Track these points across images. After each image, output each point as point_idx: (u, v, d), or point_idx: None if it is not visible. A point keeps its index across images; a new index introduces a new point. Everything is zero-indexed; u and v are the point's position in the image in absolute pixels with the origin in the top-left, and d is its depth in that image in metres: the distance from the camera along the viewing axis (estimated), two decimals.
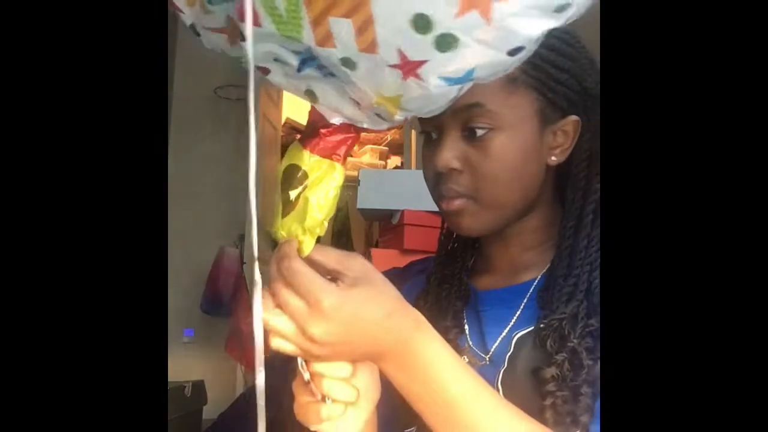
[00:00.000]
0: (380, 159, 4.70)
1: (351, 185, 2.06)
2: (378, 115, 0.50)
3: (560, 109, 0.66)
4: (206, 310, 3.51)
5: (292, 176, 0.53)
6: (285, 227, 0.53)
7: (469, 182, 0.64)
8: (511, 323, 0.66)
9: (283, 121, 4.13)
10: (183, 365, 3.13)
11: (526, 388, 0.61)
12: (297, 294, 0.48)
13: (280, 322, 0.49)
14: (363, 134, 0.57)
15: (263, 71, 0.50)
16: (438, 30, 0.41)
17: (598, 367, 0.58)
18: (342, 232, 4.02)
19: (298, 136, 0.56)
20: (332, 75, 0.48)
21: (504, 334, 0.66)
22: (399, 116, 0.49)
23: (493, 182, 0.64)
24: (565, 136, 0.66)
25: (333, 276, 0.50)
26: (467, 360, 0.63)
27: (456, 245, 0.76)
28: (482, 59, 0.43)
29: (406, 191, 2.04)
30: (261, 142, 3.77)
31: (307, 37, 0.44)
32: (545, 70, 0.63)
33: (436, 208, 0.69)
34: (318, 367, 0.53)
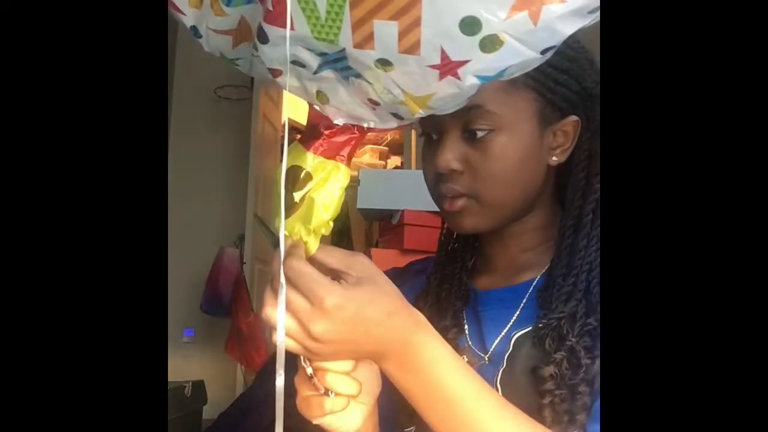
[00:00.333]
0: (380, 159, 4.71)
1: (351, 185, 2.05)
2: (395, 114, 0.51)
3: (560, 110, 0.66)
4: (206, 310, 3.51)
5: (296, 178, 0.53)
6: (288, 227, 0.53)
7: (469, 183, 0.64)
8: (510, 323, 0.67)
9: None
10: (183, 365, 3.13)
11: (524, 388, 0.62)
12: (300, 293, 0.48)
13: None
14: None
15: (275, 73, 0.50)
16: (486, 31, 0.43)
17: (596, 366, 0.59)
18: (342, 232, 4.02)
19: (298, 136, 0.56)
20: (353, 76, 0.49)
21: (503, 333, 0.67)
22: (420, 114, 0.50)
23: (493, 183, 0.64)
24: (565, 137, 0.67)
25: (336, 275, 0.50)
26: (466, 359, 0.64)
27: (456, 245, 0.76)
28: (519, 59, 0.44)
29: (406, 191, 2.04)
30: (261, 142, 3.77)
31: (344, 39, 0.45)
32: (545, 70, 0.63)
33: (436, 208, 0.70)
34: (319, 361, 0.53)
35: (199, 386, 2.73)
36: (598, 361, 0.59)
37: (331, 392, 0.53)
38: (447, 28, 0.43)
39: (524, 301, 0.67)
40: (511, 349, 0.65)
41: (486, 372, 0.61)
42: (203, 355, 3.62)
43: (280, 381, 0.48)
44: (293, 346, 0.50)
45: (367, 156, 4.62)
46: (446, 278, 0.74)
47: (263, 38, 0.47)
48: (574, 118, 0.66)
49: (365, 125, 0.54)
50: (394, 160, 4.70)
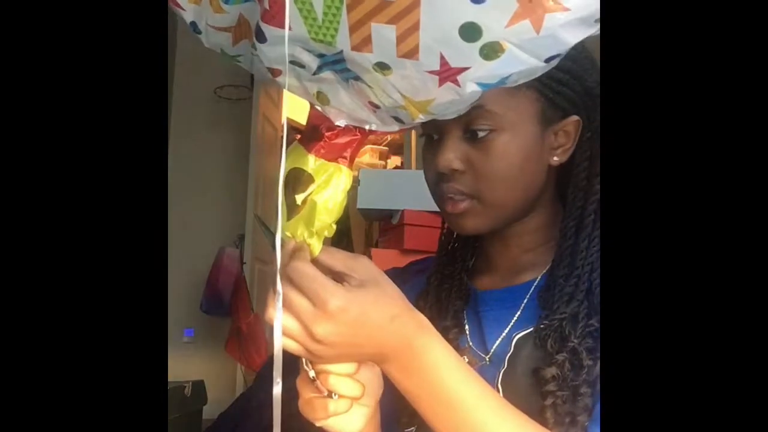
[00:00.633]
0: (380, 159, 4.71)
1: (351, 185, 2.06)
2: (396, 117, 0.51)
3: (561, 110, 0.66)
4: (206, 310, 3.51)
5: (297, 180, 0.53)
6: (290, 229, 0.53)
7: (471, 183, 0.64)
8: (511, 323, 0.67)
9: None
10: (183, 365, 3.13)
11: (526, 389, 0.61)
12: (303, 294, 0.48)
13: (285, 321, 0.49)
14: None
15: (274, 73, 0.50)
16: (486, 38, 0.42)
17: (597, 367, 0.59)
18: (342, 232, 4.02)
19: (298, 136, 0.56)
20: (353, 78, 0.48)
21: (504, 334, 0.66)
22: (420, 119, 0.50)
23: (494, 183, 0.64)
24: (566, 137, 0.67)
25: (339, 278, 0.50)
26: (467, 360, 0.63)
27: (456, 245, 0.76)
28: (521, 66, 0.44)
29: (406, 191, 2.04)
30: (261, 142, 3.77)
31: (341, 41, 0.45)
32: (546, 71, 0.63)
33: (436, 208, 0.69)
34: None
35: (199, 386, 2.73)
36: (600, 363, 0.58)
37: (335, 394, 0.53)
38: (446, 34, 0.42)
39: (525, 301, 0.67)
40: (512, 349, 0.64)
41: (487, 372, 0.60)
42: (203, 355, 3.62)
43: (277, 389, 0.48)
44: (296, 348, 0.50)
45: (367, 156, 4.62)
46: (446, 278, 0.74)
47: (261, 38, 0.47)
48: (575, 118, 0.66)
49: (367, 127, 0.53)
50: (394, 160, 4.69)
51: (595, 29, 0.42)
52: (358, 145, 0.54)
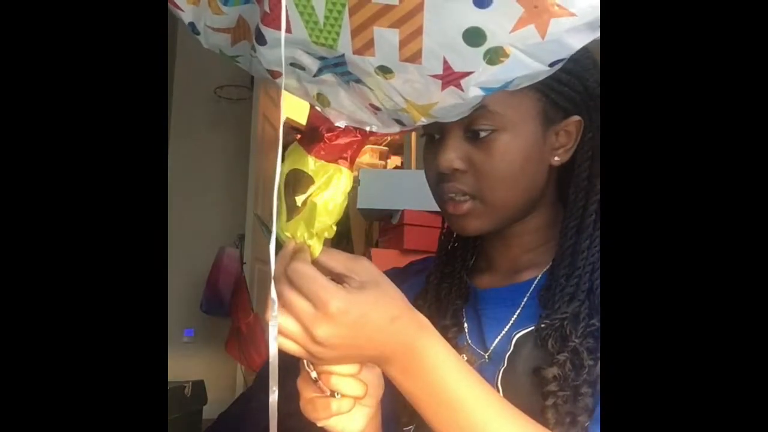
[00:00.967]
0: (380, 159, 4.70)
1: (351, 186, 2.06)
2: (397, 120, 0.51)
3: (563, 110, 0.66)
4: (206, 310, 3.51)
5: (297, 181, 0.53)
6: (290, 230, 0.52)
7: (472, 182, 0.64)
8: (511, 322, 0.66)
9: (282, 121, 4.12)
10: (183, 365, 3.13)
11: (526, 388, 0.61)
12: (304, 296, 0.48)
13: (286, 322, 0.49)
14: None
15: (274, 74, 0.50)
16: (491, 43, 0.42)
17: (598, 367, 0.58)
18: (342, 233, 4.02)
19: (299, 136, 0.56)
20: (354, 81, 0.48)
21: (504, 332, 0.66)
22: (422, 122, 0.49)
23: (496, 182, 0.64)
24: (567, 137, 0.67)
25: (339, 279, 0.50)
26: (466, 358, 0.63)
27: (456, 245, 0.76)
28: (526, 71, 0.44)
29: (406, 191, 2.04)
30: (261, 142, 3.77)
31: (343, 45, 0.45)
32: None
33: (435, 208, 0.69)
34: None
35: (199, 386, 2.73)
36: None
37: (337, 394, 0.53)
38: (450, 39, 0.42)
39: (525, 299, 0.67)
40: (512, 348, 0.64)
41: (486, 371, 0.60)
42: (203, 355, 3.62)
43: (273, 397, 0.48)
44: (296, 350, 0.50)
45: (367, 156, 4.62)
46: (446, 277, 0.74)
47: (261, 40, 0.47)
48: (576, 118, 0.66)
49: (367, 129, 0.53)
50: (394, 160, 4.69)
51: (599, 33, 0.42)
52: (358, 147, 0.54)
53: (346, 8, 0.43)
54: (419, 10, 0.42)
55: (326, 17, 0.44)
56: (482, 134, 0.63)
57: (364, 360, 0.53)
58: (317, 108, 0.53)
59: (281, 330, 0.49)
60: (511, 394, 0.57)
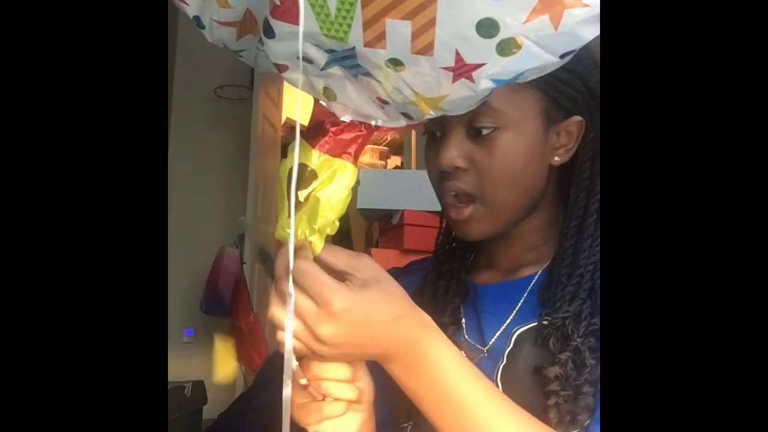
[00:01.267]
0: (380, 159, 4.71)
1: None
2: (404, 113, 0.51)
3: (564, 109, 0.65)
4: (206, 310, 3.50)
5: (300, 175, 0.52)
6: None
7: (474, 181, 0.64)
8: (510, 318, 0.66)
9: (282, 121, 4.13)
10: (183, 365, 3.12)
11: (527, 386, 0.61)
12: (307, 294, 0.48)
13: (288, 320, 0.49)
14: None
15: (280, 68, 0.50)
16: (504, 35, 0.42)
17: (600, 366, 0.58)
18: (342, 233, 4.01)
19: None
20: (362, 74, 0.48)
21: (503, 328, 0.66)
22: (431, 115, 0.49)
23: (497, 181, 0.63)
24: (568, 137, 0.66)
25: (341, 277, 0.50)
26: (464, 353, 0.63)
27: (455, 245, 0.76)
28: (537, 63, 0.44)
29: (406, 191, 2.04)
30: (261, 142, 3.76)
31: (354, 38, 0.45)
32: None
33: (435, 208, 0.69)
34: (315, 370, 0.53)
35: (199, 386, 2.73)
36: None
37: (329, 398, 0.53)
38: (463, 30, 0.42)
39: (525, 295, 0.67)
40: (512, 345, 0.64)
41: (485, 366, 0.60)
42: (203, 355, 3.61)
43: (287, 390, 0.48)
44: (299, 348, 0.49)
45: (367, 156, 4.62)
46: (444, 275, 0.74)
47: (269, 33, 0.46)
48: (578, 118, 0.66)
49: (373, 123, 0.53)
50: (394, 160, 4.69)
51: None
52: (363, 141, 0.54)
53: (359, 0, 0.43)
54: (432, 2, 0.41)
55: (338, 9, 0.44)
56: (484, 132, 0.63)
57: (367, 358, 0.53)
58: (322, 102, 0.53)
59: (283, 327, 0.49)
60: (511, 391, 0.57)
